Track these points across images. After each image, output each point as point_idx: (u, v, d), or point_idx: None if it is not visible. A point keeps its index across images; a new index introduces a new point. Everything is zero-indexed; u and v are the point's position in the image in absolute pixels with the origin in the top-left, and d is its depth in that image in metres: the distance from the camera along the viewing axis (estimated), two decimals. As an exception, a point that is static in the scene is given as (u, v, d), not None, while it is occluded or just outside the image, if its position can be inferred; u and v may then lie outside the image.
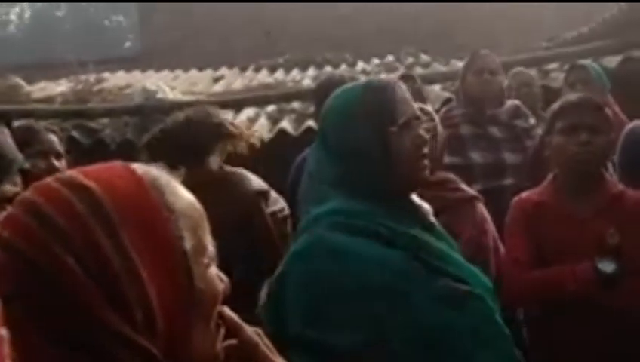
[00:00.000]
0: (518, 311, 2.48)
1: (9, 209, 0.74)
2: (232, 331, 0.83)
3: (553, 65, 5.25)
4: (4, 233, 0.70)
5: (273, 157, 3.94)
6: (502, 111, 3.41)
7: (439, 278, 1.57)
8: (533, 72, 4.91)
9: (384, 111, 1.64)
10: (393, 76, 3.64)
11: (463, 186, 2.44)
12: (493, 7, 8.84)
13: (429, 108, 2.52)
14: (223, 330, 0.82)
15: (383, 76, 4.21)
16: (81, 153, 4.35)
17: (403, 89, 1.72)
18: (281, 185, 3.29)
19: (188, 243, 0.76)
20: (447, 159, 3.00)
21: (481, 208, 2.39)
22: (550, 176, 2.48)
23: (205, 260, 0.79)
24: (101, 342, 0.67)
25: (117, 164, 0.80)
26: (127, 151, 4.75)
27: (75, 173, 0.76)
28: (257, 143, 3.26)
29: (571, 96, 2.51)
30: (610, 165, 2.70)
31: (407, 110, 1.67)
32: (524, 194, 2.48)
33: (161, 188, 0.77)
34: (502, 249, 2.41)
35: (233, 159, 3.35)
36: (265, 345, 0.85)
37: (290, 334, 1.53)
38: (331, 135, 1.68)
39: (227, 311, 0.83)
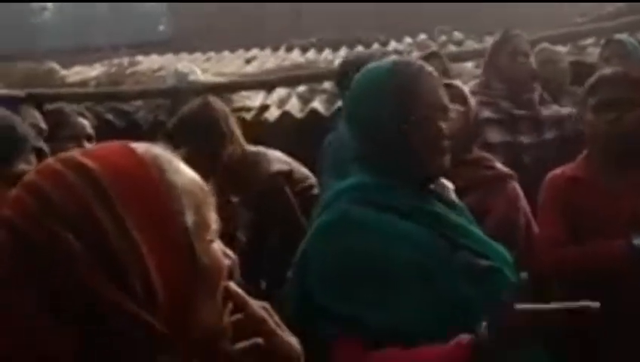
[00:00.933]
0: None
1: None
2: (239, 306, 0.83)
3: (589, 41, 5.14)
4: (6, 212, 0.72)
5: (304, 137, 3.95)
6: (535, 96, 3.40)
7: (461, 254, 1.59)
8: (565, 48, 4.83)
9: (408, 98, 1.63)
10: (420, 58, 3.62)
11: (498, 165, 2.43)
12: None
13: (462, 87, 2.49)
14: (230, 305, 0.82)
15: (414, 55, 4.15)
16: (115, 135, 4.39)
17: (431, 76, 1.69)
18: (313, 165, 3.29)
19: (189, 219, 0.76)
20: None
21: (515, 186, 2.38)
22: (585, 152, 2.44)
23: (209, 236, 0.79)
24: (100, 315, 0.68)
25: (117, 143, 0.80)
26: (159, 133, 4.80)
27: (74, 153, 0.77)
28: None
29: (605, 71, 2.47)
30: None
31: (431, 100, 1.65)
32: (558, 170, 2.46)
33: (161, 165, 0.78)
34: (534, 226, 2.40)
35: (262, 139, 3.37)
36: (273, 320, 0.85)
37: (316, 306, 1.55)
38: (355, 113, 1.70)
39: (233, 286, 0.84)
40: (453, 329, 1.49)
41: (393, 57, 1.86)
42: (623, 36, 3.97)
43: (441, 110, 1.66)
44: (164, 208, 0.75)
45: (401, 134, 1.61)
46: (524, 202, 2.38)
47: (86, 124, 2.83)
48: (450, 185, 1.79)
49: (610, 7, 5.95)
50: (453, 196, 1.78)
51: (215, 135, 2.95)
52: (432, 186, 1.72)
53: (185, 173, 0.80)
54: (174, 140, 2.79)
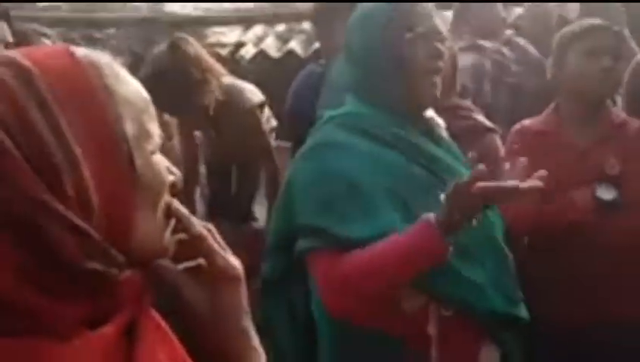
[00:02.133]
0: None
1: None
2: (181, 224, 0.81)
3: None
4: None
5: (279, 77, 3.89)
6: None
7: (440, 186, 1.61)
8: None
9: (403, 19, 1.69)
10: None
11: (477, 116, 2.39)
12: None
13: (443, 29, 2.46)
14: (172, 222, 0.81)
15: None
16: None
17: (426, 6, 1.75)
18: (283, 105, 3.26)
19: (129, 127, 0.74)
20: None
21: (494, 140, 2.34)
22: (552, 104, 2.43)
23: (150, 147, 0.77)
24: (31, 218, 0.66)
25: (58, 47, 0.78)
26: (132, 62, 4.71)
27: (14, 53, 0.74)
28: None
29: (592, 20, 2.41)
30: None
31: (426, 22, 1.70)
32: (525, 122, 2.43)
33: (101, 71, 0.75)
34: None
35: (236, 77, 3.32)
36: (215, 240, 0.83)
37: (299, 224, 1.64)
38: (353, 43, 1.75)
39: (177, 204, 0.82)
40: None
41: None
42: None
43: (436, 32, 1.70)
44: (102, 114, 0.73)
45: (396, 57, 1.66)
46: (502, 155, 2.34)
47: (49, 44, 2.72)
48: (441, 122, 1.84)
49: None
50: (443, 133, 1.83)
51: (189, 88, 2.87)
52: (422, 119, 1.77)
53: (126, 80, 0.78)
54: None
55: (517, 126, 2.43)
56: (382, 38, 1.67)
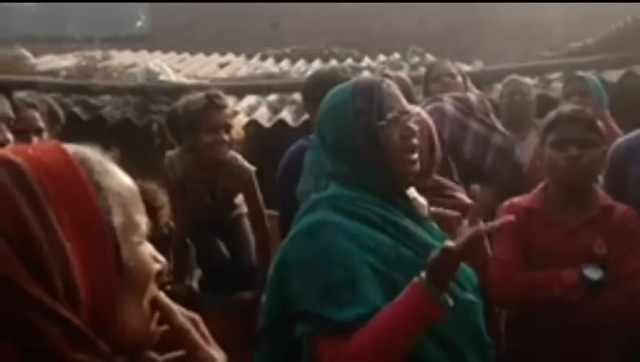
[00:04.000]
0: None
1: None
2: (165, 316, 0.83)
3: (555, 75, 5.26)
4: None
5: (270, 146, 3.96)
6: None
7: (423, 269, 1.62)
8: (532, 80, 4.93)
9: (372, 108, 1.71)
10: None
11: (458, 194, 2.42)
12: (501, 13, 8.83)
13: (421, 111, 2.51)
14: (157, 313, 0.83)
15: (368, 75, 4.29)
16: (80, 128, 4.37)
17: (392, 86, 1.79)
18: (273, 174, 3.32)
19: (116, 220, 0.77)
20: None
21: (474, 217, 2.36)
22: (542, 185, 2.49)
23: (137, 238, 0.80)
24: (20, 310, 0.68)
25: (48, 143, 0.82)
26: (125, 130, 4.78)
27: (6, 150, 0.78)
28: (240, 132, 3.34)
29: (564, 109, 2.51)
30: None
31: (395, 105, 1.74)
32: (515, 200, 2.49)
33: (90, 165, 0.79)
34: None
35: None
36: (200, 332, 0.85)
37: (298, 309, 1.61)
38: (327, 133, 1.77)
39: (162, 296, 0.84)
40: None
41: (350, 81, 1.91)
42: (584, 74, 4.06)
43: (404, 113, 1.74)
44: (90, 207, 0.76)
45: (371, 146, 1.69)
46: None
47: (35, 116, 2.77)
48: (423, 201, 1.86)
49: (578, 43, 6.09)
50: (425, 212, 1.85)
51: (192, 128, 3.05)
52: (404, 200, 1.79)
53: (115, 174, 0.81)
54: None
55: (506, 203, 2.49)
56: (354, 131, 1.71)
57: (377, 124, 1.70)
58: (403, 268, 1.62)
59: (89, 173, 0.78)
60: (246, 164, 3.22)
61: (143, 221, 0.82)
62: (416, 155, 1.75)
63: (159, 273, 0.84)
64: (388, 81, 1.82)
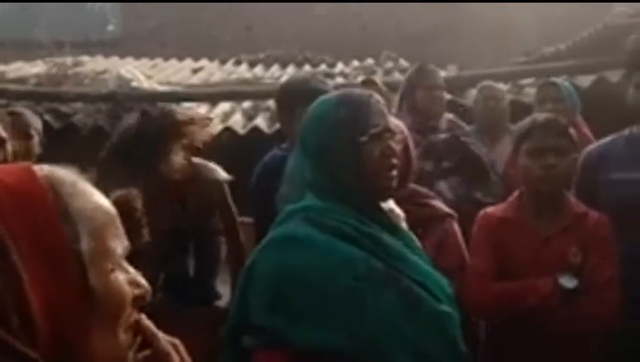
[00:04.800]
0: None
1: None
2: (148, 340, 0.82)
3: (528, 81, 5.31)
4: None
5: (245, 153, 3.94)
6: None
7: (397, 280, 1.65)
8: (506, 86, 4.97)
9: (355, 122, 1.73)
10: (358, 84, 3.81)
11: (434, 202, 2.42)
12: (477, 16, 8.90)
13: (398, 122, 2.51)
14: (138, 339, 0.81)
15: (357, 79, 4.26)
16: (51, 136, 4.30)
17: (378, 102, 1.80)
18: (248, 181, 3.30)
19: (84, 246, 0.75)
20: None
21: (452, 225, 2.38)
22: (516, 193, 2.51)
23: (109, 265, 0.77)
24: None
25: (20, 165, 0.79)
26: (98, 137, 4.72)
27: None
28: (209, 134, 3.28)
29: (538, 118, 2.52)
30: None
31: (378, 122, 1.75)
32: (489, 210, 2.51)
33: (60, 190, 0.77)
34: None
35: (202, 153, 3.36)
36: (180, 356, 0.84)
37: (253, 322, 1.63)
38: (308, 143, 1.79)
39: (144, 319, 0.82)
40: (383, 353, 1.58)
41: (338, 91, 1.95)
42: (557, 80, 4.10)
43: (387, 131, 1.76)
44: (54, 234, 0.74)
45: (351, 159, 1.70)
46: (459, 242, 2.37)
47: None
48: (401, 213, 1.89)
49: (550, 48, 6.15)
50: (402, 224, 1.87)
51: (155, 155, 2.90)
52: (380, 212, 1.80)
53: (88, 197, 0.79)
54: (110, 169, 2.73)
55: (481, 213, 2.50)
56: (337, 141, 1.72)
57: (359, 138, 1.71)
58: (373, 281, 1.63)
59: (58, 197, 0.76)
60: (216, 174, 3.14)
61: (118, 246, 0.80)
62: (394, 173, 1.76)
63: (139, 297, 0.81)
64: (376, 96, 1.83)
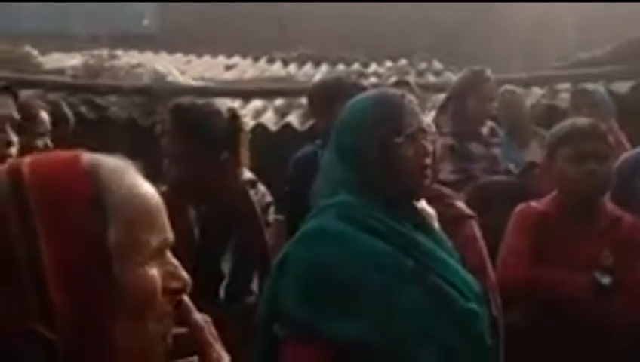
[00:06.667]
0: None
1: None
2: (183, 315, 0.83)
3: (564, 86, 5.25)
4: None
5: (277, 150, 3.96)
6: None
7: (427, 278, 1.67)
8: (539, 90, 4.92)
9: (390, 123, 1.75)
10: (390, 85, 3.78)
11: (458, 203, 2.43)
12: (510, 19, 8.82)
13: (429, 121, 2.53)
14: (170, 329, 0.82)
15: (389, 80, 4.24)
16: (86, 128, 4.36)
17: (412, 102, 1.82)
18: (280, 178, 3.30)
19: (112, 236, 0.75)
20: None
21: (472, 227, 2.38)
22: (554, 193, 2.51)
23: (139, 257, 0.77)
24: None
25: (69, 154, 0.80)
26: (131, 130, 4.78)
27: (21, 159, 0.79)
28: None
29: (578, 122, 2.52)
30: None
31: (413, 122, 1.76)
32: (531, 203, 2.53)
33: (100, 178, 0.77)
34: (490, 269, 2.41)
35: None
36: (210, 332, 0.85)
37: (283, 312, 1.66)
38: (343, 141, 1.81)
39: (184, 298, 0.84)
40: (409, 348, 1.60)
41: (374, 90, 1.99)
42: (591, 86, 4.06)
43: (421, 131, 1.77)
44: (83, 224, 0.74)
45: (385, 159, 1.72)
46: (480, 244, 2.39)
47: (47, 119, 2.77)
48: (433, 212, 1.90)
49: (587, 53, 6.08)
50: (434, 223, 1.89)
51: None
52: (412, 210, 1.82)
53: (127, 187, 0.79)
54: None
55: (522, 205, 2.51)
56: (371, 141, 1.73)
57: (394, 139, 1.72)
58: (401, 275, 1.65)
59: (95, 184, 0.76)
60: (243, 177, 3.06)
61: (154, 239, 0.79)
62: (428, 172, 1.78)
63: (177, 290, 0.82)
64: (410, 96, 1.84)
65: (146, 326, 0.78)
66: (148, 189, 0.81)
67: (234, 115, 2.90)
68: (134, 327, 0.77)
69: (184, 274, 0.83)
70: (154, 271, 0.79)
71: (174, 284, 0.81)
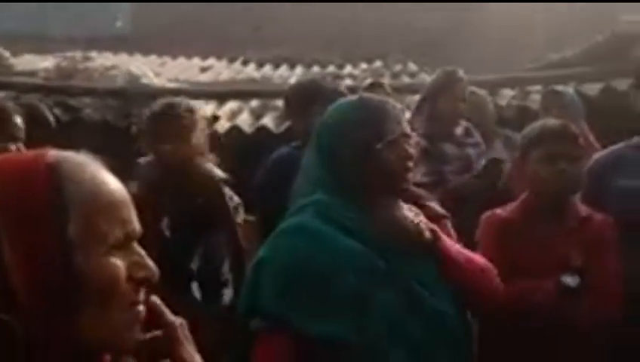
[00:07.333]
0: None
1: None
2: (155, 317, 0.85)
3: (536, 87, 5.31)
4: None
5: (252, 152, 3.96)
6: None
7: (399, 279, 1.70)
8: (511, 91, 4.97)
9: (372, 128, 1.77)
10: (364, 88, 3.80)
11: (431, 204, 2.45)
12: (485, 21, 8.90)
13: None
14: (139, 318, 0.83)
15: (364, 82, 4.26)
16: (59, 129, 4.32)
17: (395, 108, 1.85)
18: (253, 179, 3.30)
19: (73, 228, 0.77)
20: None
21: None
22: (522, 197, 2.52)
23: (101, 248, 0.79)
24: None
25: (37, 150, 0.83)
26: (104, 132, 4.75)
27: None
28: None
29: (549, 123, 2.55)
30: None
31: (395, 128, 1.79)
32: (496, 210, 2.53)
33: (62, 173, 0.79)
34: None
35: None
36: (183, 334, 0.88)
37: (258, 306, 1.69)
38: (324, 143, 1.84)
39: (153, 299, 0.86)
40: (381, 347, 1.63)
41: (359, 95, 1.99)
42: (561, 87, 4.11)
43: (404, 136, 1.80)
44: (43, 213, 0.76)
45: (364, 163, 1.75)
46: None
47: (21, 123, 2.75)
48: (418, 210, 1.91)
49: (557, 55, 6.15)
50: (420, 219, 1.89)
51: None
52: (389, 212, 1.81)
53: (89, 181, 0.81)
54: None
55: (487, 213, 2.53)
56: (351, 143, 1.76)
57: (374, 144, 1.75)
58: (374, 276, 1.68)
59: (57, 179, 0.78)
60: (214, 172, 3.09)
61: (116, 230, 0.81)
62: (409, 176, 1.81)
63: (143, 279, 0.83)
64: (393, 102, 1.88)
65: (110, 315, 0.80)
66: (111, 182, 0.83)
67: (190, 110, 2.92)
68: (99, 315, 0.78)
69: (150, 263, 0.84)
70: (117, 261, 0.81)
71: (140, 273, 0.83)
